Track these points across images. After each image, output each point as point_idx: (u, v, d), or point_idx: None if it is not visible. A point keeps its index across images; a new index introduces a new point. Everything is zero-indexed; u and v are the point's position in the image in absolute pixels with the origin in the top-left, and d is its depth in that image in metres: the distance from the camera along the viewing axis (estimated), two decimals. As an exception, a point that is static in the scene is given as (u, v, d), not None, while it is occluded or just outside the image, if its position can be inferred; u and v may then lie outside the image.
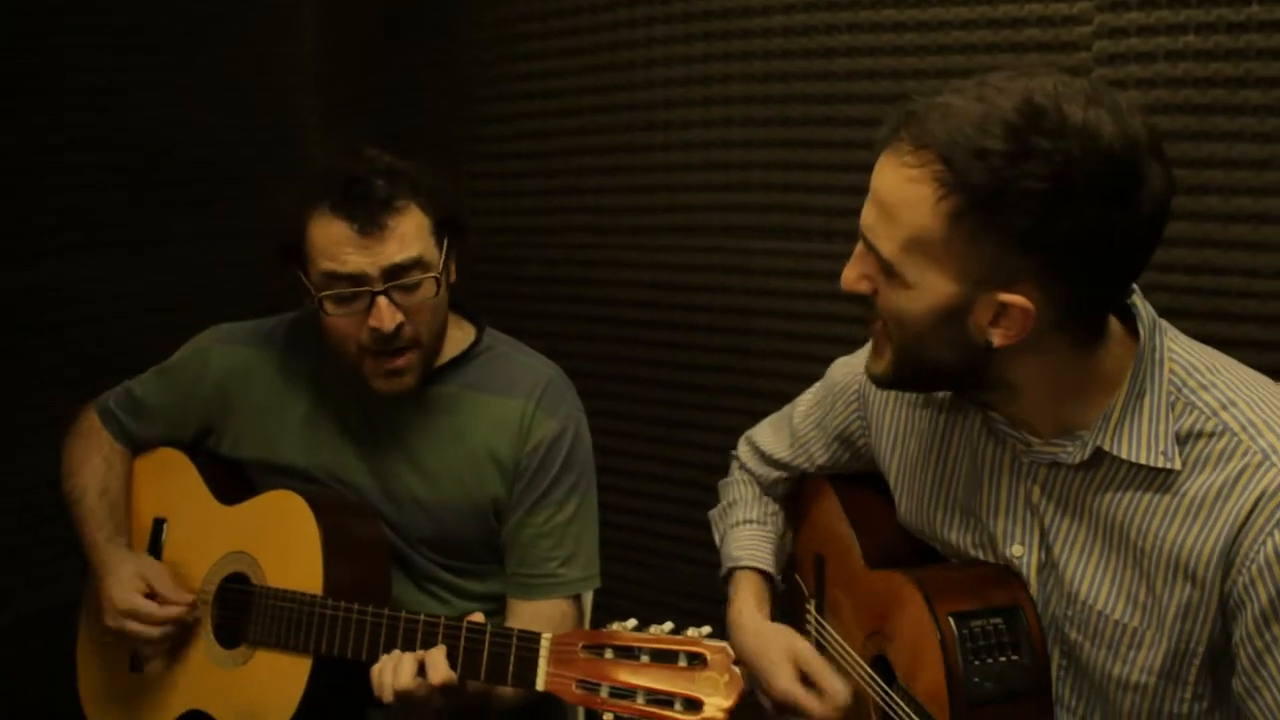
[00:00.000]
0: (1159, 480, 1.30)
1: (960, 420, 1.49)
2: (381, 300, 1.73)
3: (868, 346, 1.61)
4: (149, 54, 2.56)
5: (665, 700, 1.40)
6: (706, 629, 1.43)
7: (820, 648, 1.73)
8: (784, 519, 1.85)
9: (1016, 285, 1.23)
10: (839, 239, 2.24)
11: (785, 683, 1.59)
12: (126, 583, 1.84)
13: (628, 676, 1.43)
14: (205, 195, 2.66)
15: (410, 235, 1.75)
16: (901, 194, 1.24)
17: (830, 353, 2.22)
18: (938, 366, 1.33)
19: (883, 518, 1.65)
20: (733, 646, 1.62)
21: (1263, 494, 1.24)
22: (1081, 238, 1.19)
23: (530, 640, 1.53)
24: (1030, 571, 1.42)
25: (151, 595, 1.85)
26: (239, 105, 2.73)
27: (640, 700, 1.41)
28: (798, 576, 1.85)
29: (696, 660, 1.40)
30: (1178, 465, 1.28)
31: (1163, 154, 1.22)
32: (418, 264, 1.75)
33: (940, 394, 1.51)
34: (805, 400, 1.79)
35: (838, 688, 1.56)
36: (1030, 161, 1.17)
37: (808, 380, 2.24)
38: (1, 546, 2.38)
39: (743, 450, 1.88)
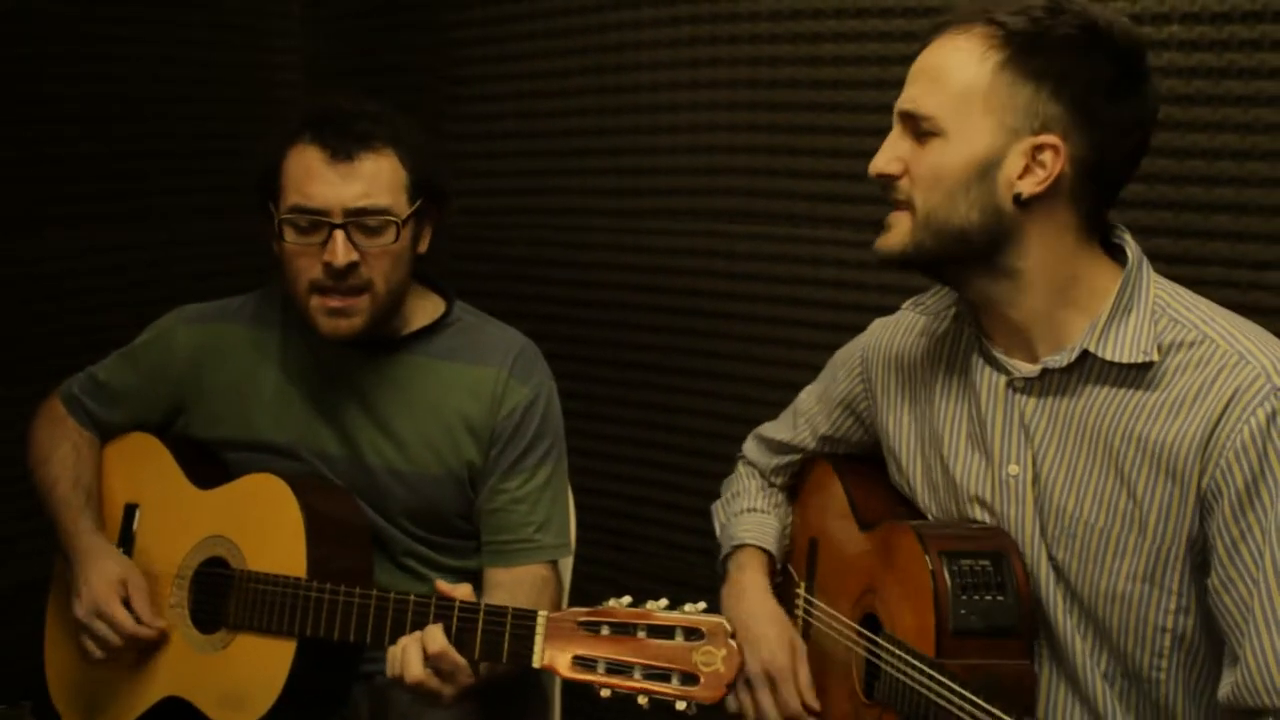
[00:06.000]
0: (1141, 380, 1.39)
1: (959, 354, 1.57)
2: (338, 234, 1.75)
3: (868, 328, 1.71)
4: (132, 26, 2.55)
5: (663, 675, 1.41)
6: (702, 605, 1.44)
7: (806, 626, 1.76)
8: (786, 510, 1.88)
9: (1047, 132, 1.38)
10: (824, 225, 2.25)
11: (783, 658, 1.67)
12: (109, 584, 1.81)
13: (625, 652, 1.43)
14: (188, 170, 2.65)
15: (382, 181, 1.78)
16: (949, 57, 1.41)
17: (813, 338, 2.24)
18: (960, 231, 1.41)
19: (878, 488, 1.71)
20: (731, 612, 1.72)
21: (1239, 387, 1.32)
22: (1101, 92, 1.37)
23: (526, 618, 1.52)
24: (1026, 490, 1.49)
25: (127, 603, 1.82)
26: (223, 80, 2.72)
27: (637, 675, 1.42)
28: (790, 566, 1.87)
29: (694, 635, 1.41)
30: (1156, 357, 1.38)
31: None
32: (383, 208, 1.78)
33: (939, 331, 1.60)
34: (809, 387, 1.85)
35: (813, 699, 1.67)
36: (1064, 15, 1.37)
37: (789, 365, 2.25)
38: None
39: (747, 445, 1.93)
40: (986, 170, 1.39)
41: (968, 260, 1.45)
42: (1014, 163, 1.38)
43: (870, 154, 2.25)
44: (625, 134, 2.48)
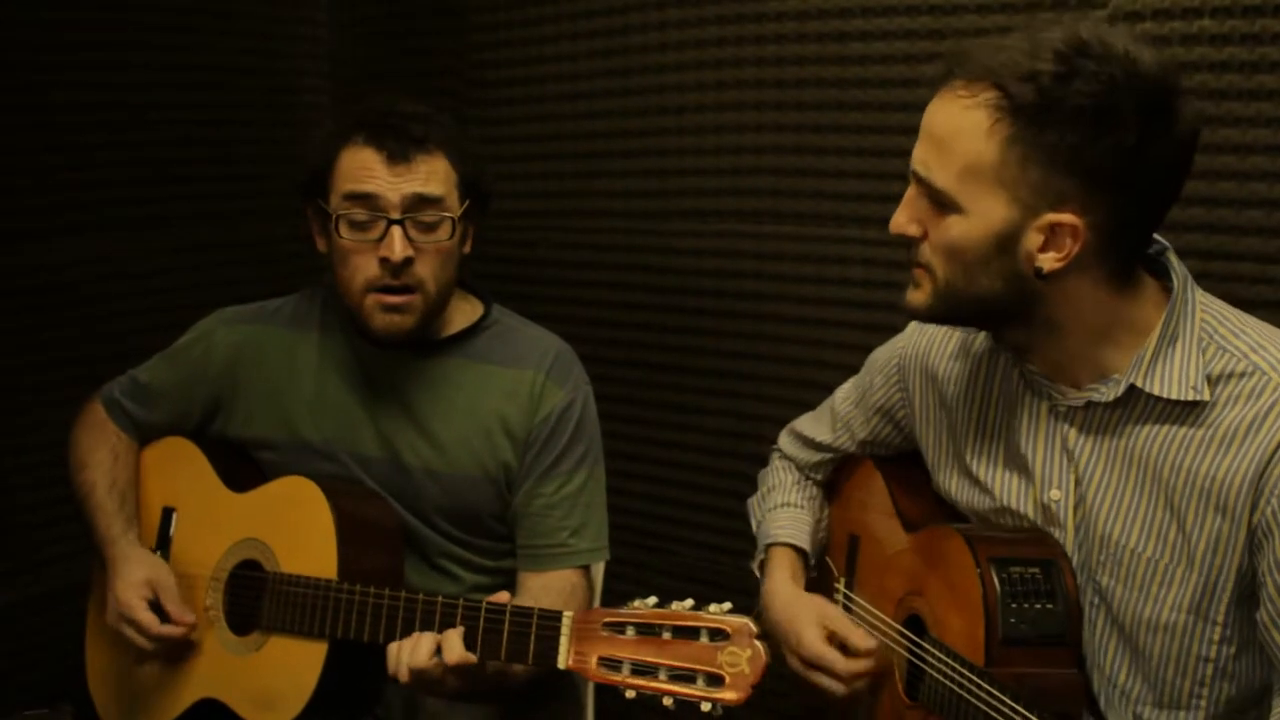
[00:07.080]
0: (1190, 415, 1.36)
1: (998, 374, 1.55)
2: (396, 230, 1.77)
3: (905, 331, 1.69)
4: (154, 33, 2.56)
5: (688, 676, 1.41)
6: (727, 605, 1.44)
7: None
8: (821, 504, 1.88)
9: (1064, 206, 1.31)
10: (851, 224, 2.24)
11: (814, 643, 1.63)
12: (134, 587, 1.84)
13: (650, 653, 1.43)
14: (209, 176, 2.67)
15: (437, 176, 1.80)
16: (956, 124, 1.33)
17: (840, 338, 2.23)
18: (984, 299, 1.38)
19: (922, 489, 1.70)
20: (766, 618, 1.69)
21: None
22: (1123, 157, 1.28)
23: (551, 619, 1.53)
24: (1068, 515, 1.47)
25: (156, 604, 1.84)
26: (246, 85, 2.73)
27: (663, 677, 1.42)
28: (828, 559, 1.87)
29: (719, 636, 1.41)
30: (1207, 396, 1.34)
31: (1185, 93, 1.33)
32: (439, 203, 1.80)
33: (977, 348, 1.57)
34: (845, 386, 1.83)
35: (863, 643, 1.61)
36: (1077, 80, 1.26)
37: (815, 365, 2.25)
38: (8, 527, 2.38)
39: (783, 439, 1.93)
40: (1005, 245, 1.34)
41: (996, 318, 1.44)
42: (1033, 238, 1.33)
43: (897, 152, 2.25)
44: (650, 135, 2.48)
